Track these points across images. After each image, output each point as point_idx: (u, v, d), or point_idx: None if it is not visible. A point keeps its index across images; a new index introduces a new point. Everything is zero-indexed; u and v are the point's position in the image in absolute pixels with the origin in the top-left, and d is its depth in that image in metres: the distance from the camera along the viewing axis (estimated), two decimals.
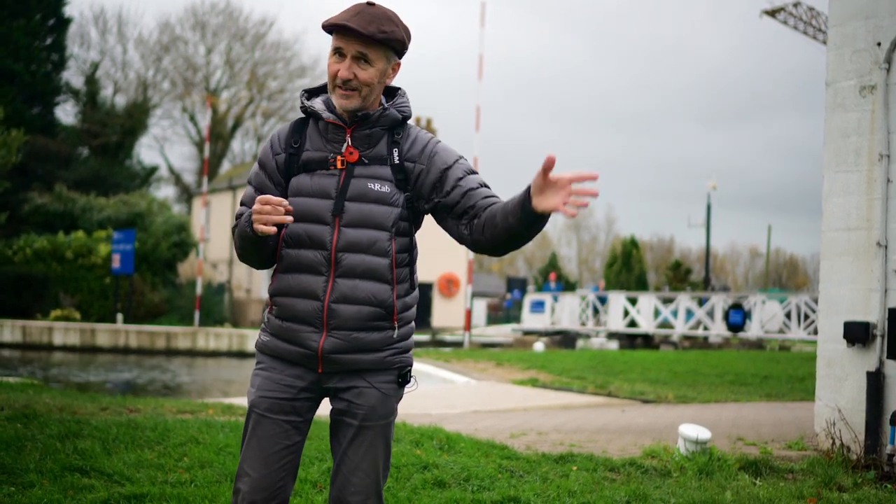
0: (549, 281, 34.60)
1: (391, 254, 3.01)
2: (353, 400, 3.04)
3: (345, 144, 3.05)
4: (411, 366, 3.15)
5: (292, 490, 3.16)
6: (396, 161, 3.06)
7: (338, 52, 3.01)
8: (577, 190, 2.76)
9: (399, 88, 3.19)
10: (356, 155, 3.05)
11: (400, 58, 3.10)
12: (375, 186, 3.02)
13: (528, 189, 2.83)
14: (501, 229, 2.92)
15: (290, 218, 2.88)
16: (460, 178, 3.06)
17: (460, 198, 3.04)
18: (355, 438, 3.06)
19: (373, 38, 2.96)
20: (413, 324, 3.19)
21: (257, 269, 3.22)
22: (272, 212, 2.86)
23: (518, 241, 2.96)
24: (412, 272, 3.14)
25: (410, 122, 3.20)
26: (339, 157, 3.04)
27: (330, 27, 3.00)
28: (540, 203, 2.79)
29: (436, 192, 3.06)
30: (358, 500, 3.05)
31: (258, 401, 3.07)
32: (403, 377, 3.11)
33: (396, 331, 3.06)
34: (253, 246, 3.01)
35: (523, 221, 2.85)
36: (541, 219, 2.84)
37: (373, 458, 3.07)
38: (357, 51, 2.98)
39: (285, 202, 2.87)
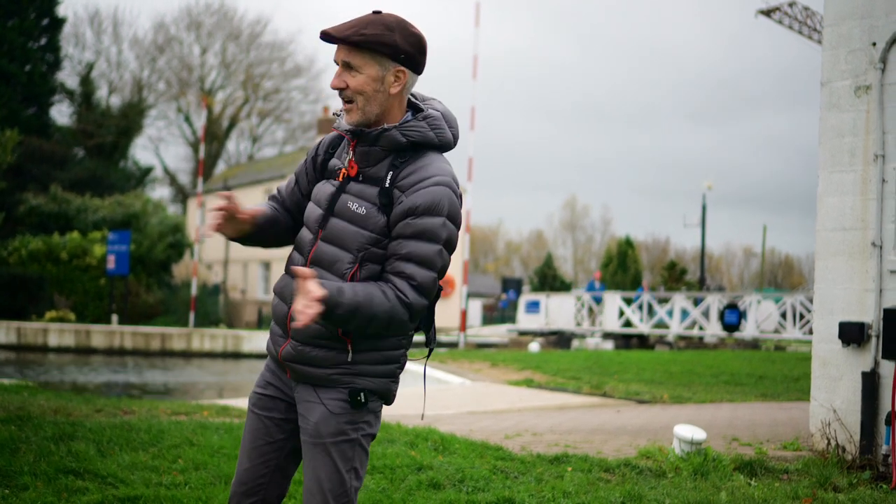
0: (594, 280, 34.05)
1: (347, 278, 2.89)
2: (303, 413, 3.00)
3: (349, 158, 3.02)
4: (373, 390, 2.96)
5: (280, 492, 3.12)
6: (387, 184, 2.91)
7: (336, 62, 2.97)
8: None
9: (425, 109, 3.01)
10: (355, 170, 2.99)
11: (403, 64, 2.92)
12: (353, 206, 2.92)
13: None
14: None
15: (208, 232, 2.97)
16: (406, 238, 2.86)
17: (387, 259, 2.90)
18: (305, 456, 3.01)
19: (347, 41, 2.87)
20: (390, 352, 2.98)
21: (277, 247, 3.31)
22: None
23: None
24: None
25: (437, 153, 2.99)
26: (342, 170, 3.02)
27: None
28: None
29: (392, 230, 2.90)
30: None
31: (251, 396, 3.15)
32: (353, 397, 2.93)
33: (351, 354, 2.92)
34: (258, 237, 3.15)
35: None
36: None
37: (317, 478, 2.95)
38: (341, 59, 2.92)
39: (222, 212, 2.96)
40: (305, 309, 2.70)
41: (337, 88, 2.94)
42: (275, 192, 3.29)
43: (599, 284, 34.40)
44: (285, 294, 3.02)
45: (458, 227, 2.96)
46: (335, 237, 2.94)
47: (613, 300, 30.20)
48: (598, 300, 30.46)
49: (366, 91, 2.91)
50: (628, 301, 30.06)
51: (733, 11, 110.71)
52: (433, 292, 2.92)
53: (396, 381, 3.05)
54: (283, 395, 3.09)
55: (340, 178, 3.01)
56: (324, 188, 3.04)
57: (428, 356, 3.21)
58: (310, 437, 2.97)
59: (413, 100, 3.05)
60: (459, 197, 2.97)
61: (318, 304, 2.70)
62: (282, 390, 3.09)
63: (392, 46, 2.88)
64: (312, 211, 3.03)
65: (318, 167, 3.15)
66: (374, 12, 2.94)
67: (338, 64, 2.94)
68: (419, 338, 3.15)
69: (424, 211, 2.85)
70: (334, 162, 3.08)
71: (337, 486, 2.94)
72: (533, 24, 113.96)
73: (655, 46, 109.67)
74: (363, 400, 2.94)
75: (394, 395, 3.07)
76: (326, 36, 2.90)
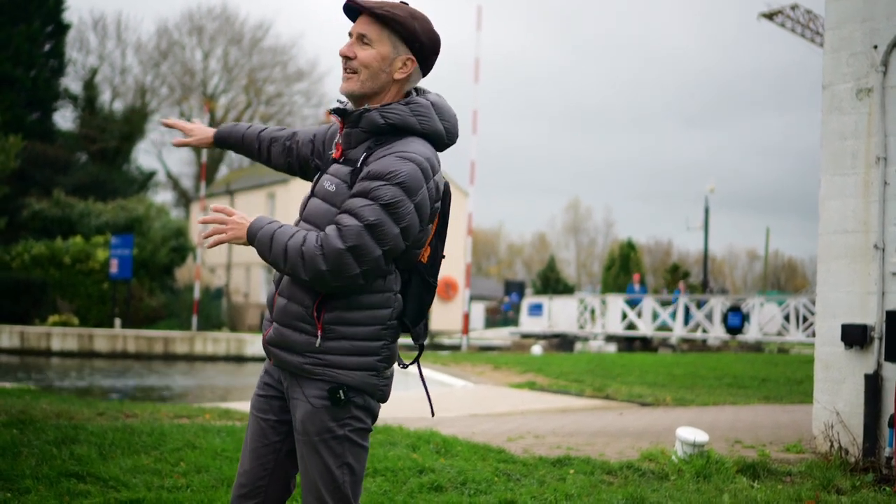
0: (633, 283, 33.63)
1: None
2: (292, 411, 3.00)
3: (336, 141, 3.09)
4: (350, 385, 2.90)
5: (282, 494, 3.11)
6: (358, 165, 2.92)
7: (349, 35, 3.00)
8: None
9: (413, 94, 3.02)
10: (339, 152, 3.04)
11: (414, 54, 2.96)
12: (326, 184, 2.98)
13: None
14: None
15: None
16: (350, 197, 2.87)
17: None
18: (297, 452, 3.01)
19: (371, 12, 2.92)
20: (364, 343, 2.91)
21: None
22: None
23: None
24: (376, 289, 2.91)
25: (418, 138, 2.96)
26: (332, 153, 3.10)
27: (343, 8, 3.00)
28: None
29: None
30: None
31: (252, 399, 3.16)
32: (332, 394, 2.89)
33: (319, 340, 2.88)
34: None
35: None
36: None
37: (310, 478, 2.95)
38: (359, 31, 2.95)
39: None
40: (218, 227, 2.92)
41: (344, 56, 2.96)
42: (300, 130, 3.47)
43: (640, 287, 34.00)
44: (277, 279, 3.05)
45: (421, 202, 2.86)
46: (311, 216, 2.99)
47: (616, 303, 30.18)
48: (638, 303, 30.03)
49: (372, 66, 2.94)
50: (631, 304, 30.03)
51: (733, 15, 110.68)
52: (360, 247, 2.78)
53: (381, 376, 2.96)
54: (278, 392, 3.08)
55: (330, 160, 3.10)
56: (317, 172, 3.17)
57: (419, 354, 3.13)
58: (299, 435, 2.97)
59: (413, 93, 3.06)
60: (431, 178, 2.91)
61: (246, 227, 2.91)
62: (276, 388, 3.08)
63: (411, 32, 2.94)
64: (307, 192, 3.13)
65: (321, 151, 3.30)
66: (403, 2, 3.01)
67: (351, 36, 2.99)
68: (407, 339, 3.12)
69: (375, 175, 2.83)
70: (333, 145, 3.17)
71: (329, 482, 2.93)
72: (534, 27, 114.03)
73: (656, 50, 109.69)
74: (343, 397, 2.89)
75: (382, 391, 2.98)
76: (351, 5, 2.95)
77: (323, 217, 2.94)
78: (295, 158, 3.37)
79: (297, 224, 3.02)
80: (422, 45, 2.96)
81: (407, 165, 2.83)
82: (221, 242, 2.91)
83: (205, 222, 2.95)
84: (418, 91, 3.07)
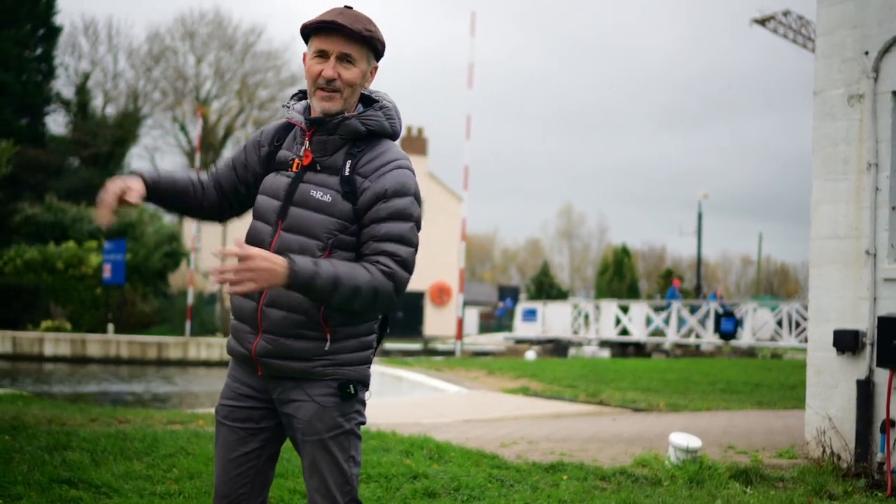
0: (674, 287, 33.19)
1: None
2: (293, 413, 3.00)
3: (304, 147, 3.05)
4: (358, 380, 3.01)
5: (263, 497, 3.12)
6: (347, 173, 2.97)
7: (320, 53, 2.99)
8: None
9: (380, 101, 3.10)
10: (310, 159, 3.02)
11: (377, 61, 3.09)
12: (317, 194, 2.96)
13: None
14: None
15: (134, 201, 2.97)
16: (381, 222, 2.93)
17: (365, 243, 2.95)
18: (303, 454, 3.02)
19: (359, 36, 2.96)
20: (366, 338, 3.03)
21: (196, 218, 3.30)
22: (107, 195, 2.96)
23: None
24: None
25: (391, 140, 3.09)
26: (296, 160, 3.05)
27: (314, 26, 2.98)
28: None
29: (363, 217, 2.96)
30: None
31: (218, 408, 3.13)
32: (343, 390, 2.97)
33: (329, 343, 2.94)
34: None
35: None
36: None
37: (319, 474, 2.98)
38: (341, 51, 2.97)
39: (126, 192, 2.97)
40: (244, 275, 2.73)
41: (329, 78, 2.97)
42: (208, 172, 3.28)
43: (679, 292, 33.64)
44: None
45: (421, 207, 3.06)
46: (299, 226, 2.96)
47: (610, 309, 30.20)
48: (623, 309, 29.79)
49: (355, 84, 3.02)
50: (624, 309, 30.05)
51: (726, 20, 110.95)
52: (413, 267, 2.97)
53: (370, 366, 3.11)
54: (258, 402, 3.07)
55: (295, 169, 3.04)
56: (277, 180, 3.06)
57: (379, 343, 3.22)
58: (305, 435, 2.98)
59: (364, 93, 3.13)
60: None
61: (285, 273, 2.75)
62: (255, 397, 3.07)
63: (383, 44, 3.06)
64: (267, 203, 3.04)
65: (261, 158, 3.17)
66: (346, 7, 3.03)
67: (324, 55, 2.99)
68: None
69: (394, 193, 2.95)
70: (284, 153, 3.10)
71: (339, 477, 2.99)
72: (527, 33, 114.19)
73: (650, 55, 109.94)
74: (353, 391, 2.98)
75: (369, 380, 3.11)
76: (334, 27, 2.96)
77: (319, 226, 2.94)
78: (227, 191, 3.22)
79: (274, 233, 2.97)
80: (383, 53, 3.09)
81: (410, 175, 3.01)
82: (251, 290, 2.79)
83: (222, 277, 2.75)
84: (370, 92, 3.16)
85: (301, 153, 3.05)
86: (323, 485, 2.98)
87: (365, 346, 3.03)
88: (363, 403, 3.07)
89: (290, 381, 2.99)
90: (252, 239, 3.04)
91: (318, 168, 3.01)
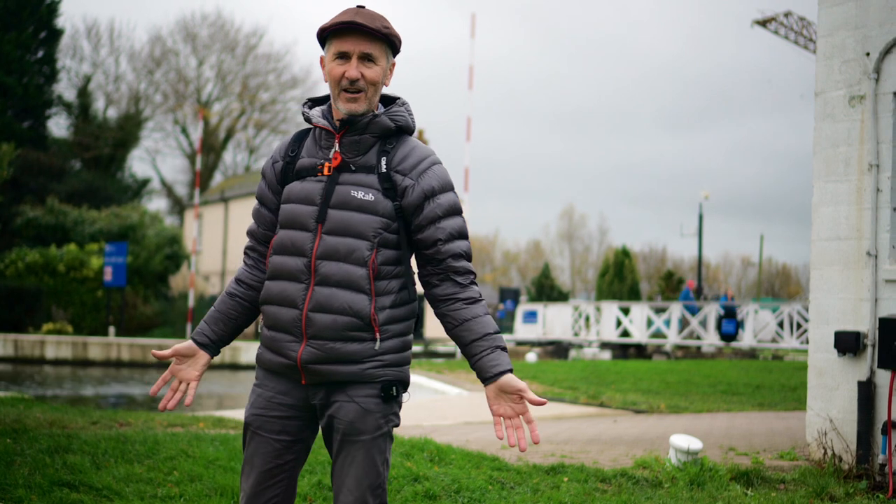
0: (688, 289, 33.18)
1: (370, 264, 2.94)
2: (334, 415, 2.98)
3: (333, 150, 3.04)
4: (400, 381, 3.03)
5: (291, 502, 3.12)
6: (384, 170, 3.00)
7: (341, 56, 3.00)
8: (525, 415, 2.93)
9: (398, 98, 3.14)
10: (339, 161, 3.02)
11: (394, 57, 3.11)
12: (359, 194, 2.96)
13: (493, 375, 2.94)
14: (452, 337, 3.07)
15: (187, 398, 3.19)
16: (439, 220, 3.02)
17: (431, 246, 3.03)
18: (339, 455, 3.00)
19: (378, 34, 2.98)
20: (407, 337, 3.07)
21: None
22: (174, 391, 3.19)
23: None
24: (404, 285, 3.05)
25: (413, 136, 3.16)
26: (326, 164, 3.03)
27: (335, 27, 2.98)
28: (493, 405, 2.96)
29: (414, 217, 3.01)
30: None
31: (252, 419, 3.07)
32: (387, 391, 2.98)
33: (378, 343, 2.95)
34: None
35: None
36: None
37: (356, 476, 2.96)
38: (362, 51, 2.99)
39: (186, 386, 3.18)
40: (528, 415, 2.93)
41: (353, 79, 2.99)
42: (249, 242, 3.21)
43: (694, 294, 33.56)
44: (288, 299, 2.98)
45: None
46: (344, 228, 2.96)
47: (611, 310, 30.19)
48: (693, 310, 29.70)
49: (377, 82, 3.04)
50: (625, 311, 30.04)
51: (727, 21, 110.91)
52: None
53: (409, 367, 3.15)
54: (296, 412, 3.04)
55: (327, 172, 3.02)
56: (306, 186, 3.03)
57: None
58: (346, 437, 2.97)
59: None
60: None
61: (514, 379, 2.93)
62: (293, 407, 3.04)
63: (399, 41, 3.08)
64: (300, 210, 3.01)
65: (277, 174, 3.14)
66: (359, 7, 3.05)
67: (345, 56, 3.00)
68: (415, 348, 3.16)
69: (441, 189, 3.03)
70: (307, 160, 3.08)
71: (374, 479, 2.98)
72: (527, 34, 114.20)
73: (651, 56, 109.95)
74: (395, 393, 3.00)
75: (409, 381, 3.14)
76: (354, 28, 2.97)
77: (366, 226, 2.96)
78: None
79: (315, 238, 2.97)
80: (399, 48, 3.11)
81: (444, 169, 3.11)
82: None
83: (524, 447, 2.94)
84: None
85: (330, 156, 3.04)
86: (355, 487, 2.97)
87: (407, 345, 3.07)
88: (400, 405, 3.08)
89: (334, 384, 2.98)
90: (287, 248, 3.01)
91: (353, 168, 3.01)
